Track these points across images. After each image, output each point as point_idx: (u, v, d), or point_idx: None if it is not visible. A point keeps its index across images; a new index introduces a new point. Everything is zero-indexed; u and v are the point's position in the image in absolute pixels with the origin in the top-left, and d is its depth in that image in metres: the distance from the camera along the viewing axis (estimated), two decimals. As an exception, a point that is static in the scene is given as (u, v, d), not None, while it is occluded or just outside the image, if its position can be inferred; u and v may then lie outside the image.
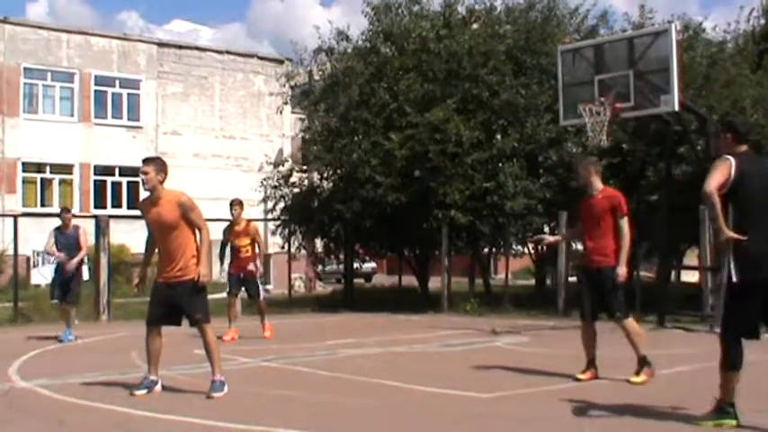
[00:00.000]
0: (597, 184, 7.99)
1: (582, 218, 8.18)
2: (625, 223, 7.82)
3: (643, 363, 7.73)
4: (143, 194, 29.86)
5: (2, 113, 27.88)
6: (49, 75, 28.90)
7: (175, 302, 7.15)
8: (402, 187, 17.61)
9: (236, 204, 12.01)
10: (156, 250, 7.37)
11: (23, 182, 28.24)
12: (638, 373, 7.70)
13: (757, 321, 5.89)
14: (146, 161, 7.36)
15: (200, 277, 7.08)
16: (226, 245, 12.29)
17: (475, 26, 19.72)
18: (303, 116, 21.89)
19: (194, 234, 7.20)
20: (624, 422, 6.15)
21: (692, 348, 10.76)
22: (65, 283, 12.03)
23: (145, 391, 7.11)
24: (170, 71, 31.11)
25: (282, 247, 22.10)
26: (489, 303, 18.09)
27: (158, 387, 7.24)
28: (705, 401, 6.93)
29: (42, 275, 20.51)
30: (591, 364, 7.96)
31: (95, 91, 29.66)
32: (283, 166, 20.94)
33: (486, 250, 23.22)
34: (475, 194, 17.59)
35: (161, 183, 7.22)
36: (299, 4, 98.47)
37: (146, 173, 7.17)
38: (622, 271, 7.73)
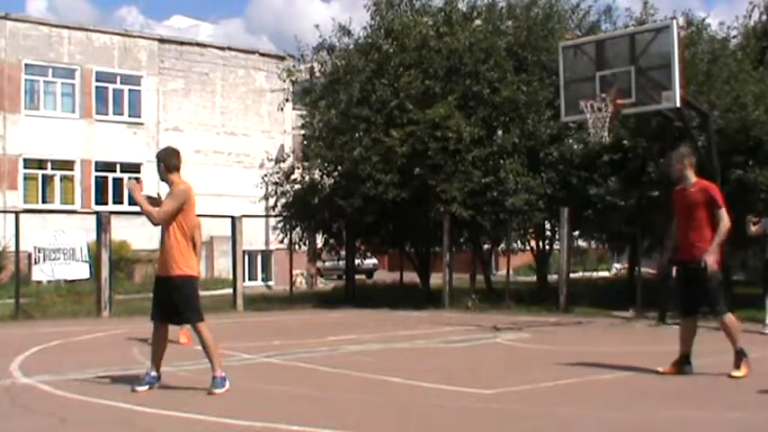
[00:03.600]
0: (691, 176, 7.99)
1: (677, 210, 8.17)
2: (723, 215, 7.77)
3: (741, 355, 7.78)
4: (144, 190, 29.85)
5: (3, 110, 27.85)
6: (50, 71, 28.88)
7: (168, 299, 7.09)
8: (402, 184, 17.61)
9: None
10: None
11: (25, 178, 28.21)
12: (738, 367, 7.74)
13: None
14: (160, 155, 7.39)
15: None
16: None
17: (477, 22, 19.70)
18: (304, 113, 21.88)
19: (183, 229, 7.08)
20: (622, 417, 6.16)
21: (695, 345, 10.73)
22: None
23: (146, 388, 7.11)
24: (171, 67, 31.09)
25: (281, 241, 22.12)
26: (490, 300, 18.12)
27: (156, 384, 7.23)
28: (703, 396, 6.95)
29: (44, 272, 20.53)
30: (682, 358, 7.94)
31: (96, 87, 29.62)
32: (284, 161, 20.97)
33: (487, 246, 23.23)
34: (475, 191, 17.60)
35: (171, 171, 7.19)
36: None
37: (158, 170, 7.28)
38: (711, 259, 7.67)
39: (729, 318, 7.88)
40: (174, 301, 7.05)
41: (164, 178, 7.21)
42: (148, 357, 7.40)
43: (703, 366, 8.09)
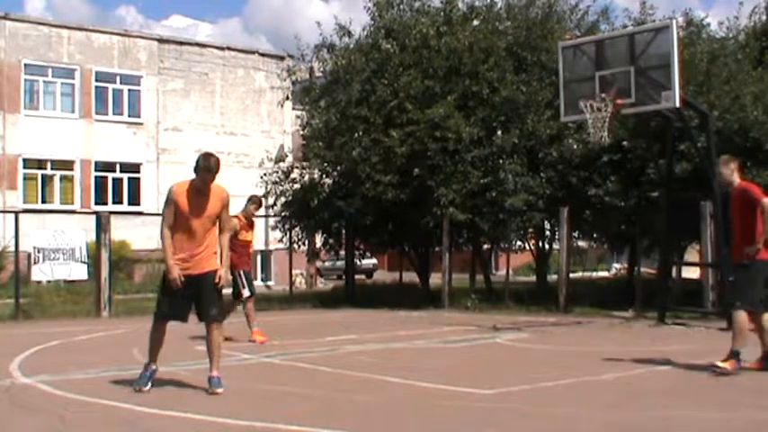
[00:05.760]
0: (736, 179, 8.18)
1: (730, 212, 8.35)
2: (765, 205, 7.81)
3: (734, 355, 7.83)
4: (144, 190, 29.61)
5: (3, 110, 27.88)
6: (49, 71, 28.90)
7: (191, 296, 7.05)
8: (402, 185, 17.61)
9: (257, 201, 11.63)
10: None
11: (24, 178, 28.23)
12: (725, 360, 7.80)
13: None
14: (216, 167, 7.03)
15: (222, 279, 7.10)
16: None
17: (475, 22, 19.71)
18: (303, 113, 21.88)
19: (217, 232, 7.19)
20: (621, 417, 6.17)
21: (691, 344, 10.77)
22: None
23: (149, 385, 7.06)
24: (171, 67, 31.10)
25: (281, 240, 22.12)
26: (490, 300, 18.12)
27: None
28: (701, 397, 6.96)
29: (43, 272, 20.55)
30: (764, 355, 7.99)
31: (96, 87, 29.65)
32: (284, 161, 20.98)
33: (486, 246, 23.25)
34: (474, 191, 17.60)
35: None
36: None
37: (213, 179, 7.02)
38: (748, 249, 7.81)
39: (743, 317, 7.88)
40: (211, 298, 7.08)
41: (209, 186, 7.07)
42: (148, 357, 7.37)
43: (701, 366, 8.09)
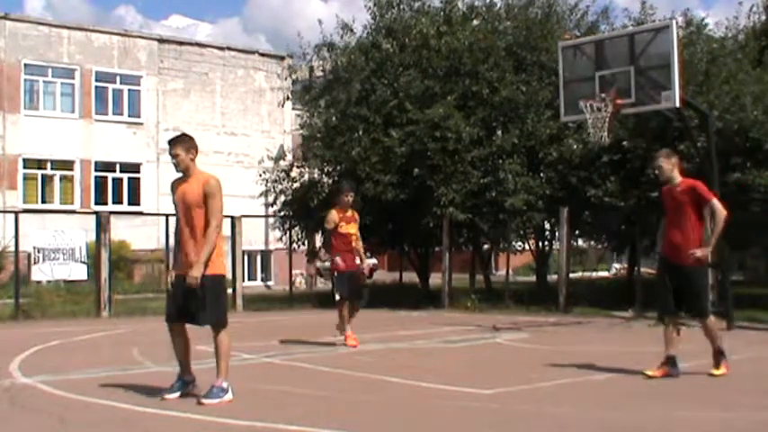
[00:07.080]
0: (677, 175, 7.92)
1: (665, 209, 8.10)
2: (715, 205, 7.67)
3: (721, 355, 7.91)
4: (144, 190, 29.53)
5: (2, 110, 27.86)
6: (49, 71, 28.89)
7: (189, 297, 6.56)
8: (401, 184, 17.61)
9: (351, 188, 10.90)
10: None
11: (24, 178, 28.22)
12: (717, 366, 7.86)
13: None
14: (173, 143, 6.84)
15: (192, 277, 6.46)
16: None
17: (475, 22, 19.72)
18: (303, 112, 21.89)
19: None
20: (620, 417, 6.17)
21: (691, 344, 10.73)
22: None
23: (176, 395, 6.76)
24: (171, 67, 31.09)
25: (280, 239, 22.12)
26: (490, 300, 18.12)
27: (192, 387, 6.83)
28: (700, 397, 6.96)
29: (43, 272, 20.53)
30: (667, 361, 7.85)
31: (96, 87, 29.64)
32: (284, 160, 20.99)
33: (486, 246, 23.25)
34: (474, 191, 17.60)
35: (192, 161, 6.81)
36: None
37: (176, 155, 6.74)
38: (701, 252, 7.65)
39: (711, 320, 7.94)
40: (204, 301, 6.56)
41: (185, 168, 6.79)
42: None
43: (701, 366, 8.09)
